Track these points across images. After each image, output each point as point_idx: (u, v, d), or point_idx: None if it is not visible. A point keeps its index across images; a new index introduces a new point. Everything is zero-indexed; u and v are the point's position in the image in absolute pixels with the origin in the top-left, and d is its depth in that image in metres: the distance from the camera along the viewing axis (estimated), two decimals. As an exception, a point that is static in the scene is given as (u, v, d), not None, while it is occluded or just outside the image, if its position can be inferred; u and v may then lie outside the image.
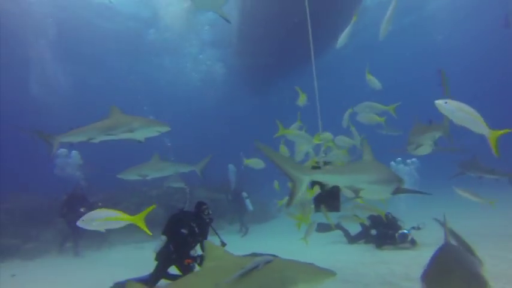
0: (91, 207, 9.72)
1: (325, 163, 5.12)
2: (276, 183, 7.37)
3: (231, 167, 14.75)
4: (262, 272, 3.14)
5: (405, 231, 7.87)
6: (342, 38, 5.33)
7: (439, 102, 2.93)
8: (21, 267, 8.81)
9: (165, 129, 6.13)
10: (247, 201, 12.50)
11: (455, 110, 2.90)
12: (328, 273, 3.43)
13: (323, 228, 9.52)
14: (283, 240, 10.17)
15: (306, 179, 3.50)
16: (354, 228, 9.00)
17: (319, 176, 3.87)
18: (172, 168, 9.31)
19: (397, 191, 4.20)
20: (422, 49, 30.78)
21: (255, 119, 38.79)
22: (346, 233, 9.35)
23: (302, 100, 5.83)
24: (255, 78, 23.74)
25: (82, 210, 9.53)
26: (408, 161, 13.10)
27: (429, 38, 29.27)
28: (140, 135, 6.22)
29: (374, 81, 5.62)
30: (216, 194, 13.49)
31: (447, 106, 2.91)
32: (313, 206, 5.11)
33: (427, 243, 7.63)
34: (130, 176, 8.87)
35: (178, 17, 21.13)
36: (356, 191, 4.02)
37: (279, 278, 3.14)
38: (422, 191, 4.73)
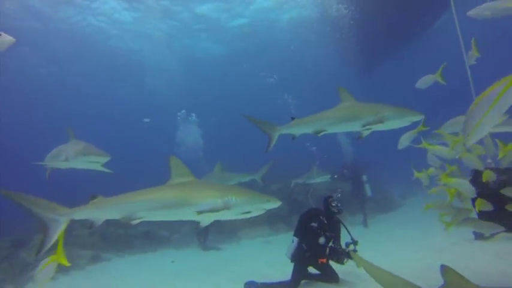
0: None
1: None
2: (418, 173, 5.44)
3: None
4: None
5: None
6: None
7: None
8: (174, 255, 10.02)
9: (418, 118, 4.66)
10: (367, 186, 11.64)
11: None
12: None
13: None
14: (416, 231, 9.14)
15: None
16: None
17: None
18: (234, 179, 9.60)
19: None
20: None
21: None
22: None
23: (475, 53, 4.19)
24: (361, 53, 20.46)
25: None
26: None
27: None
28: (390, 126, 4.81)
29: None
30: (335, 184, 12.95)
31: None
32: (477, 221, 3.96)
33: None
34: None
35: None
36: None
37: None
38: None
